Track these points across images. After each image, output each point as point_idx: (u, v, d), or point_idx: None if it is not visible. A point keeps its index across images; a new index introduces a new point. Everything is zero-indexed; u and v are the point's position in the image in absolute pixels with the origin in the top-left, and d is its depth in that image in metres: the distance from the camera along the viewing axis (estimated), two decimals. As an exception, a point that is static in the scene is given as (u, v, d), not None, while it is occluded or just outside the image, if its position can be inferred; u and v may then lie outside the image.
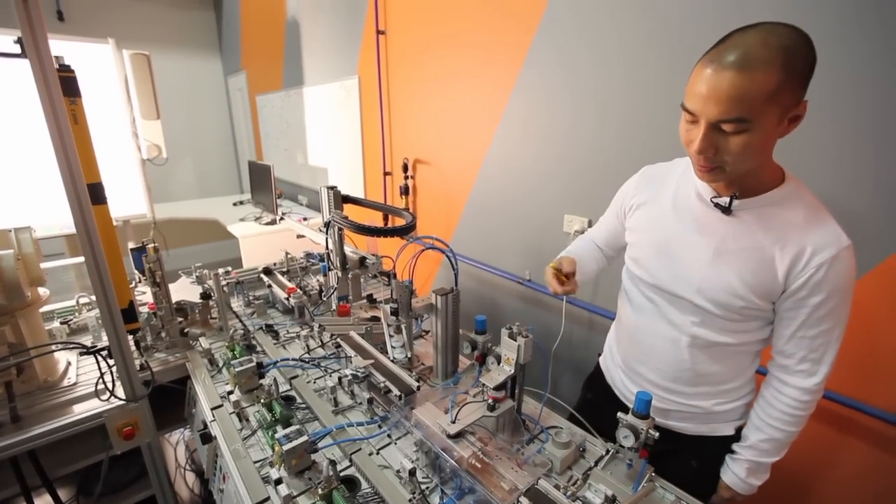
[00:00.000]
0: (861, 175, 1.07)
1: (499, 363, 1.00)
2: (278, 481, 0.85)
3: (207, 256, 4.20)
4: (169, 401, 1.42)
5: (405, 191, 2.59)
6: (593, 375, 1.23)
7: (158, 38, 4.59)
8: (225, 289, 1.73)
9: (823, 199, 0.80)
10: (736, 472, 0.94)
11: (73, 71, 1.01)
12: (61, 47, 2.28)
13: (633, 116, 1.48)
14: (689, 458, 0.99)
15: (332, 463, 0.86)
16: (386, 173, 2.76)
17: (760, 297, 0.80)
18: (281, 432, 0.92)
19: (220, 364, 1.32)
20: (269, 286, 1.69)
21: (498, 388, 0.96)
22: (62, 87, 0.93)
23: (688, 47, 1.29)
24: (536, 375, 2.02)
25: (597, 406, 1.13)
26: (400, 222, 1.14)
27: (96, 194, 1.06)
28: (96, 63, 2.41)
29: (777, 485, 1.35)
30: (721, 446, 0.97)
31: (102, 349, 1.10)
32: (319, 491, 0.83)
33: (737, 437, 0.97)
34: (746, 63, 0.63)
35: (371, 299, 1.69)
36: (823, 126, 1.09)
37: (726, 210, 0.81)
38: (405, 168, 2.56)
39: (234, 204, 4.06)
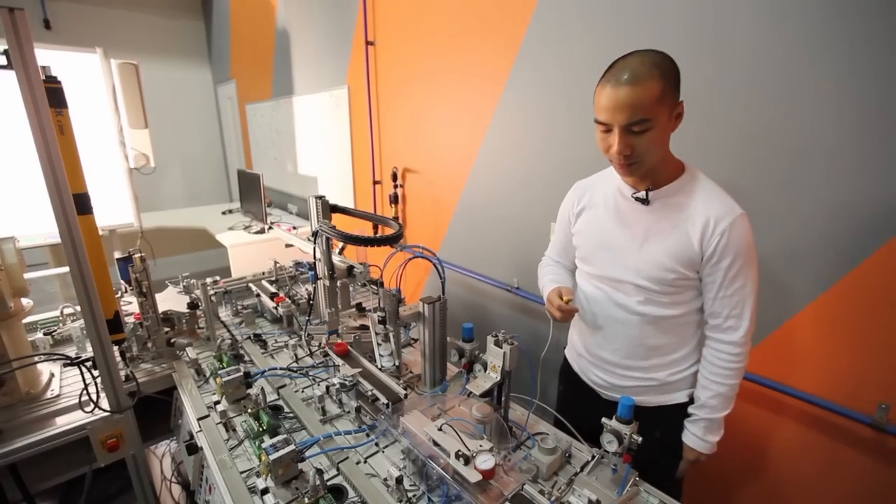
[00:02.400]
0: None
1: (486, 370, 1.01)
2: (265, 491, 0.85)
3: (196, 265, 4.16)
4: (155, 412, 1.40)
5: (394, 199, 2.60)
6: (563, 368, 1.35)
7: (147, 46, 4.57)
8: (213, 298, 1.73)
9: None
10: (695, 433, 1.05)
11: (59, 82, 1.01)
12: (48, 57, 2.27)
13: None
14: (653, 429, 1.05)
15: (319, 472, 0.87)
16: (375, 182, 2.77)
17: (685, 266, 0.96)
18: (268, 442, 0.92)
19: (208, 374, 1.31)
20: (258, 295, 1.69)
21: (484, 395, 0.97)
22: (48, 98, 0.94)
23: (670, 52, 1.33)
24: (526, 382, 2.04)
25: (570, 395, 1.28)
26: (389, 231, 1.15)
27: (82, 204, 1.06)
28: (84, 72, 2.40)
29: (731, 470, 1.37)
30: (679, 413, 1.09)
31: (87, 360, 1.09)
32: (306, 500, 0.83)
33: (690, 402, 1.10)
34: (636, 79, 0.83)
35: (360, 308, 1.70)
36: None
37: (644, 201, 0.97)
38: (394, 177, 2.57)
39: (224, 213, 4.04)
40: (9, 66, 0.88)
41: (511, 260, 2.05)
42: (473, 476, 0.80)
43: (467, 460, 0.83)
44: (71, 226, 0.99)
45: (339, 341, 1.23)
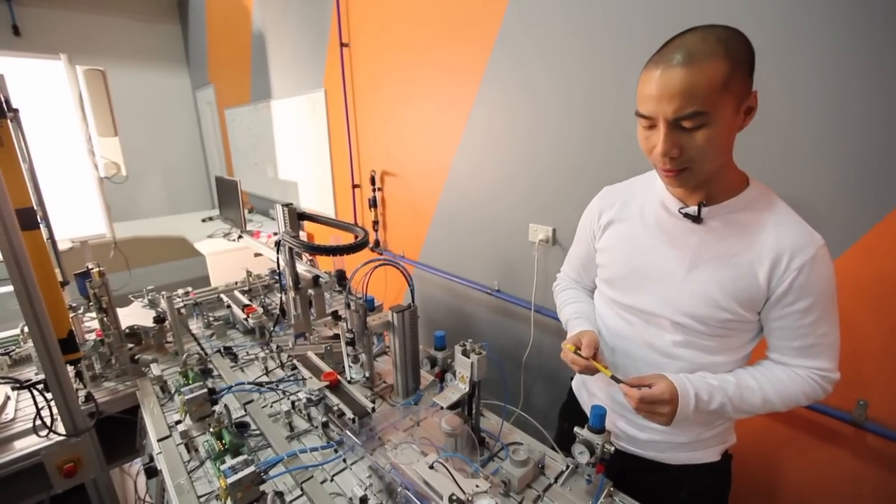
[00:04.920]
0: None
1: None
2: (220, 518, 0.81)
3: (174, 275, 4.09)
4: (124, 431, 1.35)
5: (373, 203, 2.56)
6: (567, 404, 1.17)
7: (123, 51, 4.48)
8: (183, 311, 1.67)
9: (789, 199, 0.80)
10: (691, 379, 0.78)
11: (-5, 91, 0.96)
12: (8, 64, 2.19)
13: (592, 125, 1.50)
14: (677, 489, 0.93)
15: (280, 494, 0.83)
16: (355, 186, 2.73)
17: (743, 305, 0.76)
18: (227, 463, 0.87)
19: (172, 391, 1.26)
20: (228, 306, 1.64)
21: (452, 406, 0.94)
22: (-15, 108, 0.89)
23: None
24: (510, 386, 2.02)
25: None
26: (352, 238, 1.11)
27: (26, 219, 1.00)
28: (51, 79, 2.33)
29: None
30: (709, 473, 0.92)
31: (37, 383, 1.03)
32: (263, 526, 0.79)
33: (723, 462, 0.93)
34: (692, 58, 0.64)
35: (336, 316, 1.65)
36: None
37: (696, 219, 0.78)
38: (373, 180, 2.54)
39: (203, 220, 3.97)
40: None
41: (490, 262, 2.02)
42: None
43: None
44: (13, 241, 0.94)
45: (328, 370, 1.15)
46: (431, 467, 0.83)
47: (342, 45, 2.48)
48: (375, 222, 2.63)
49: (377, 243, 2.66)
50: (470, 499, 0.76)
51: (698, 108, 0.65)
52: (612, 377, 0.82)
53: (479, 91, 1.85)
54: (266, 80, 3.48)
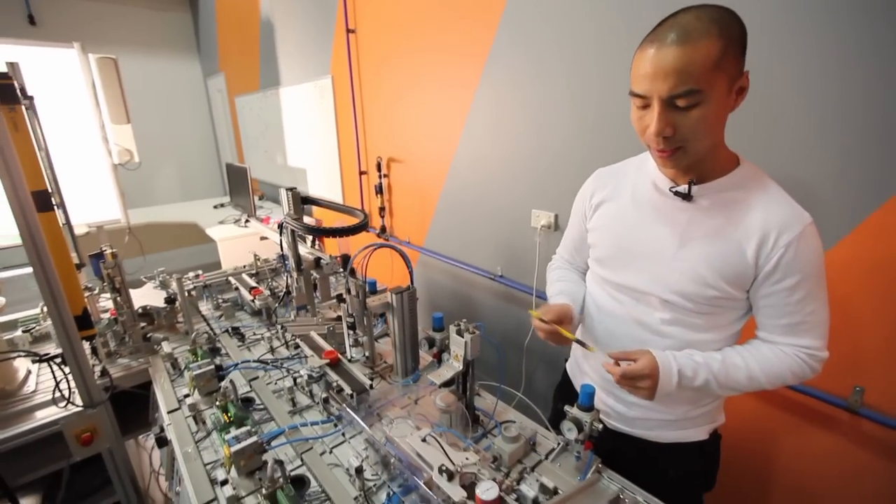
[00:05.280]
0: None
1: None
2: (223, 482, 0.85)
3: (187, 261, 4.18)
4: (138, 406, 1.42)
5: (379, 190, 2.59)
6: (561, 384, 1.19)
7: (135, 40, 4.53)
8: (193, 292, 1.73)
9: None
10: (676, 356, 0.80)
11: (10, 78, 1.00)
12: (25, 53, 2.25)
13: (597, 110, 1.49)
14: (666, 467, 0.95)
15: (280, 463, 0.87)
16: (361, 172, 2.75)
17: (731, 283, 0.78)
18: (231, 434, 0.92)
19: (182, 368, 1.32)
20: (236, 289, 1.69)
21: (445, 384, 0.97)
22: None
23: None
24: (511, 370, 2.05)
25: None
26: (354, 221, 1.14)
27: (42, 202, 1.05)
28: (65, 68, 2.39)
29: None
30: (696, 452, 0.94)
31: (55, 356, 1.09)
32: (263, 490, 0.83)
33: (711, 441, 0.95)
34: (686, 37, 0.65)
35: (341, 298, 1.69)
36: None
37: (686, 197, 0.79)
38: (379, 167, 2.56)
39: (215, 207, 4.04)
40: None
41: (494, 248, 2.03)
42: (458, 494, 0.76)
43: (451, 476, 0.78)
44: (30, 222, 0.99)
45: (329, 349, 1.19)
46: (424, 440, 0.86)
47: (348, 31, 2.49)
48: (382, 208, 2.65)
49: (383, 229, 2.69)
50: (459, 470, 0.79)
51: (693, 86, 0.65)
52: (576, 341, 0.86)
53: (480, 79, 1.84)
54: (275, 68, 3.50)
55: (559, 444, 0.98)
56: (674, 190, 0.80)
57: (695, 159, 0.74)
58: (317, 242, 2.21)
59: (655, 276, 0.84)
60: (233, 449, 0.89)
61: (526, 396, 1.22)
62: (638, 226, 0.87)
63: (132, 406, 1.41)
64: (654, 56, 0.67)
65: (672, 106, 0.68)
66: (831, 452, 1.21)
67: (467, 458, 0.83)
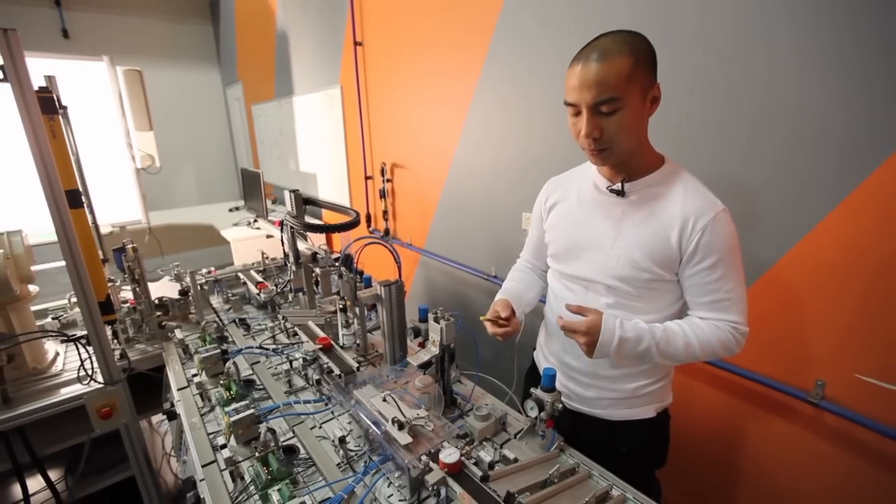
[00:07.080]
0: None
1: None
2: (222, 446, 0.97)
3: (203, 262, 4.35)
4: (153, 390, 1.55)
5: (383, 194, 2.71)
6: (529, 371, 1.30)
7: (159, 52, 4.79)
8: (205, 286, 1.87)
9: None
10: (623, 323, 0.88)
11: (50, 92, 1.15)
12: (58, 66, 2.45)
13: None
14: (619, 444, 1.04)
15: (272, 431, 0.98)
16: (367, 177, 2.89)
17: (661, 265, 0.89)
18: (231, 406, 1.04)
19: (192, 353, 1.45)
20: (244, 283, 1.82)
21: (423, 366, 1.07)
22: (41, 106, 1.07)
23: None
24: (504, 368, 2.13)
25: None
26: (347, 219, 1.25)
27: (73, 199, 1.19)
28: (96, 78, 2.59)
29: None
30: (646, 428, 1.03)
31: (81, 337, 1.23)
32: (257, 454, 0.94)
33: (659, 419, 1.04)
34: (605, 55, 0.79)
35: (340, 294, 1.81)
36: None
37: (620, 193, 0.92)
38: (383, 172, 2.68)
39: (231, 210, 4.23)
40: (5, 80, 1.02)
41: (488, 249, 2.13)
42: (404, 439, 0.90)
43: (402, 426, 0.92)
44: (63, 217, 1.13)
45: (323, 336, 1.31)
46: (384, 400, 0.99)
47: (356, 43, 2.63)
48: (385, 212, 2.78)
49: (387, 231, 2.81)
50: (409, 421, 0.92)
51: (611, 94, 0.79)
52: (484, 319, 1.04)
53: (477, 85, 1.96)
54: (289, 77, 3.68)
55: (528, 424, 1.07)
56: (609, 188, 0.93)
57: (621, 158, 0.88)
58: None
59: (598, 265, 0.95)
60: (232, 419, 1.00)
61: (517, 395, 1.29)
62: (583, 222, 0.99)
63: (147, 391, 1.54)
64: (581, 71, 0.81)
65: (598, 112, 0.82)
66: (793, 441, 1.26)
67: (418, 414, 0.95)
